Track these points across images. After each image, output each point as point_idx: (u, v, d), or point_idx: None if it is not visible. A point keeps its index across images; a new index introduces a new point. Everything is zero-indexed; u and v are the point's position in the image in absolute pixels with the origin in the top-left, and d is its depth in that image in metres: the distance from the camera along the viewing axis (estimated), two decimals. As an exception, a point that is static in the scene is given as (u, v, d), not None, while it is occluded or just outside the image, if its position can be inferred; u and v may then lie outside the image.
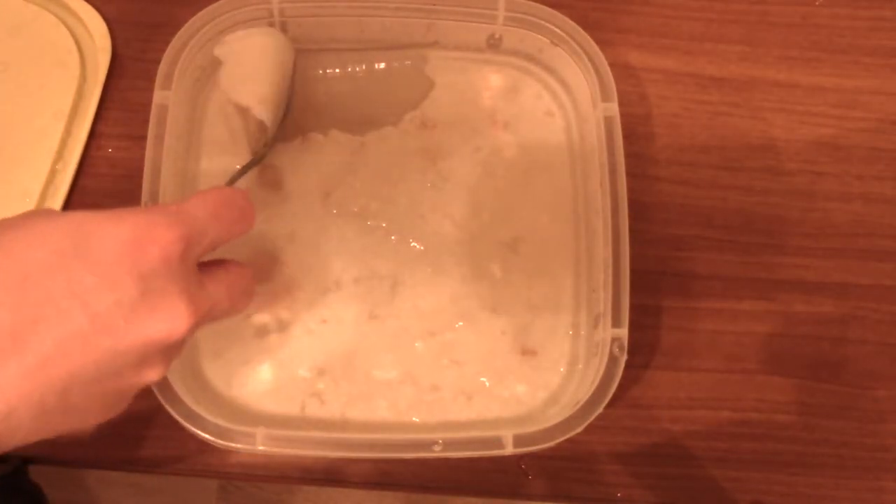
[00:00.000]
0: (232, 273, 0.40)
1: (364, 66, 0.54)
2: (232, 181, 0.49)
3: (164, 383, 0.43)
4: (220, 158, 0.52)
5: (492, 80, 0.56)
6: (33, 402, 0.32)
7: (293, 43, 0.53)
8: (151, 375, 0.36)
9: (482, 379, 0.50)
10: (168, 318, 0.34)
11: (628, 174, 0.49)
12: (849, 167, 0.56)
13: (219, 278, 0.39)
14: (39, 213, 0.35)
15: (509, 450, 0.44)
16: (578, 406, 0.45)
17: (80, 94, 0.53)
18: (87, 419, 0.35)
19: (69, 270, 0.32)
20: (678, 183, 0.55)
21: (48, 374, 0.32)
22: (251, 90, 0.49)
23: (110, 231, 0.34)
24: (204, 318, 0.37)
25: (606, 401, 0.45)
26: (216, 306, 0.38)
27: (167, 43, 0.49)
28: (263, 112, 0.49)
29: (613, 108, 0.50)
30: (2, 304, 0.31)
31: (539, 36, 0.53)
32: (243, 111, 0.50)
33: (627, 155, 0.49)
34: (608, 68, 0.51)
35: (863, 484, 0.50)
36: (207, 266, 0.40)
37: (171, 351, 0.36)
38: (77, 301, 0.32)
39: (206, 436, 0.43)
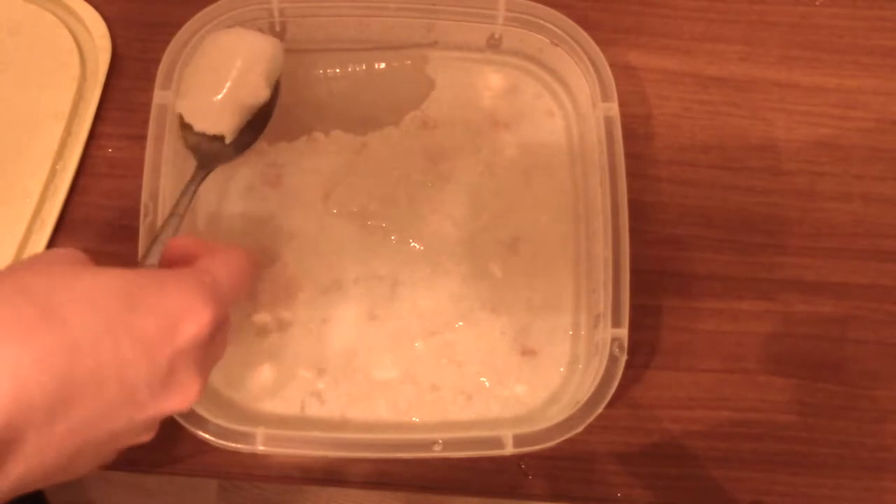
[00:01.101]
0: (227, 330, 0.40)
1: (364, 66, 0.54)
2: (178, 205, 0.45)
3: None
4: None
5: (492, 80, 0.56)
6: (55, 465, 0.32)
7: (292, 44, 0.53)
8: (146, 438, 0.37)
9: (482, 379, 0.50)
10: (184, 396, 0.35)
11: (628, 174, 0.49)
12: (849, 167, 0.56)
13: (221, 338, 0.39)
14: (80, 266, 0.35)
15: (509, 450, 0.44)
16: (578, 406, 0.45)
17: (80, 94, 0.53)
18: (82, 470, 0.35)
19: (116, 343, 0.32)
20: (678, 183, 0.55)
21: (76, 440, 0.32)
22: (193, 103, 0.48)
23: (155, 303, 0.34)
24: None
25: (606, 401, 0.45)
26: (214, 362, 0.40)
27: (167, 43, 0.49)
28: (210, 125, 0.48)
29: (613, 108, 0.50)
30: (45, 375, 0.31)
31: (539, 36, 0.53)
32: (184, 125, 0.49)
33: (627, 155, 0.49)
34: (608, 68, 0.51)
35: (863, 484, 0.50)
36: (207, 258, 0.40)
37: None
38: (116, 373, 0.32)
39: (206, 436, 0.43)
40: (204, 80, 0.48)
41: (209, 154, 0.48)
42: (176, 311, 0.34)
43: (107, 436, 0.33)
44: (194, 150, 0.48)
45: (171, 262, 0.41)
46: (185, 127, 0.48)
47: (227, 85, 0.48)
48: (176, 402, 0.35)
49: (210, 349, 0.37)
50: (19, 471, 0.31)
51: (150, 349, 0.33)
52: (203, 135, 0.48)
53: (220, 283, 0.37)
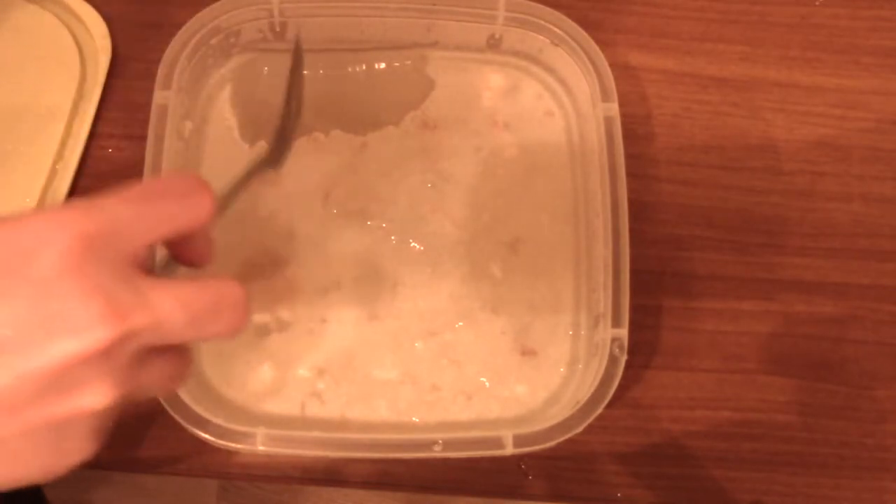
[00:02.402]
0: (197, 285, 0.32)
1: (364, 66, 0.54)
2: (231, 195, 0.45)
3: (164, 383, 0.43)
4: (221, 158, 0.52)
5: (492, 80, 0.56)
6: None
7: (293, 44, 0.53)
8: (91, 401, 0.29)
9: (482, 379, 0.50)
10: (77, 326, 0.28)
11: (628, 174, 0.49)
12: (849, 167, 0.56)
13: (168, 286, 0.31)
14: None
15: (509, 450, 0.44)
16: (578, 406, 0.45)
17: (80, 94, 0.53)
18: (22, 464, 0.29)
19: None
20: (678, 183, 0.55)
21: None
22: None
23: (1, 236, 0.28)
24: (141, 328, 0.29)
25: (606, 401, 0.45)
26: (166, 319, 0.30)
27: (167, 43, 0.49)
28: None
29: (613, 108, 0.50)
30: None
31: (539, 36, 0.53)
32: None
33: (627, 155, 0.49)
34: (608, 68, 0.51)
35: (863, 484, 0.50)
36: (167, 280, 0.33)
37: (105, 367, 0.29)
38: None
39: (206, 436, 0.43)
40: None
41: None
42: (26, 240, 0.28)
43: (5, 396, 0.27)
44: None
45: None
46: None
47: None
48: (74, 334, 0.28)
49: (109, 272, 0.29)
50: None
51: (3, 283, 0.28)
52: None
53: (96, 204, 0.31)
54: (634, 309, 0.46)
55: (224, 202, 0.43)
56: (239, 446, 0.44)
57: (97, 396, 0.29)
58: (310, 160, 0.53)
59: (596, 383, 0.45)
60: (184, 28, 0.50)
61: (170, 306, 0.30)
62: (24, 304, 0.28)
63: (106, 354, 0.29)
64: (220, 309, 0.32)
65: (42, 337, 0.28)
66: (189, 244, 0.35)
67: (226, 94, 0.54)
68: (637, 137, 0.55)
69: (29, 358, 0.28)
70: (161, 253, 0.37)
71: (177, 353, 0.33)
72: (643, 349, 0.51)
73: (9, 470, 0.29)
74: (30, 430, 0.29)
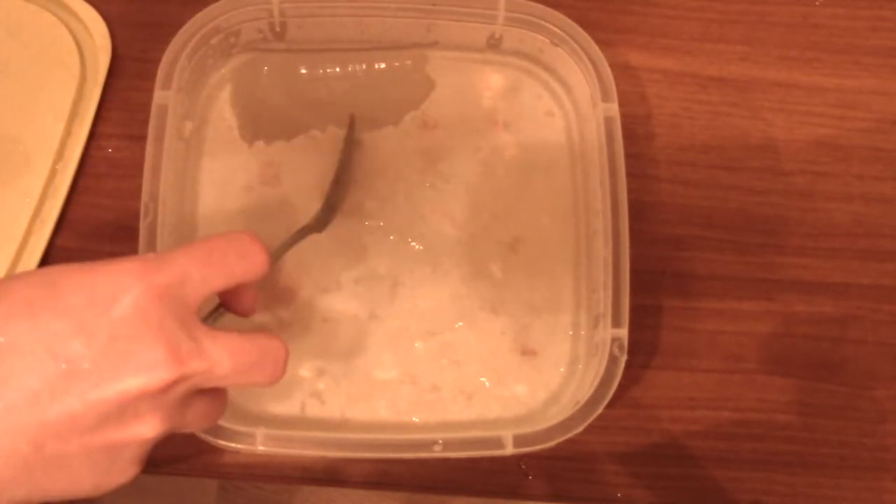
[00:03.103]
0: (245, 338, 0.36)
1: (364, 66, 0.54)
2: (280, 252, 0.47)
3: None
4: (221, 158, 0.52)
5: (492, 80, 0.56)
6: (4, 451, 0.30)
7: (292, 44, 0.53)
8: (143, 431, 0.33)
9: (482, 379, 0.50)
10: (144, 366, 0.32)
11: (628, 174, 0.49)
12: (849, 167, 0.56)
13: (220, 337, 0.35)
14: (11, 276, 0.34)
15: (509, 450, 0.44)
16: (578, 406, 0.45)
17: (80, 94, 0.53)
18: (78, 481, 0.33)
19: (35, 318, 0.31)
20: (678, 183, 0.55)
21: (18, 422, 0.30)
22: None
23: (81, 280, 0.33)
24: (195, 373, 0.34)
25: (606, 401, 0.45)
26: (215, 366, 0.35)
27: (167, 43, 0.49)
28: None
29: (613, 108, 0.50)
30: None
31: (539, 36, 0.53)
32: None
33: (627, 155, 0.49)
34: (608, 68, 0.51)
35: (863, 484, 0.50)
36: (220, 330, 0.37)
37: (160, 403, 0.33)
38: (44, 347, 0.31)
39: (206, 436, 0.43)
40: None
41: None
42: (105, 282, 0.33)
43: (69, 420, 0.31)
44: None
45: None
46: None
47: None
48: (138, 374, 0.32)
49: (173, 320, 0.33)
50: None
51: (77, 319, 0.32)
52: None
53: (166, 256, 0.35)
54: (634, 309, 0.46)
55: (272, 259, 0.45)
56: (239, 446, 0.44)
57: (149, 427, 0.33)
58: (309, 159, 0.53)
59: (596, 383, 0.45)
60: (184, 28, 0.50)
61: (220, 355, 0.35)
62: (102, 341, 0.32)
63: (162, 392, 0.33)
64: (263, 362, 0.37)
65: (113, 371, 0.32)
66: (239, 295, 0.40)
67: (226, 94, 0.54)
68: (637, 137, 0.55)
69: (100, 388, 0.32)
70: (211, 299, 0.40)
71: (216, 396, 0.38)
72: (643, 349, 0.51)
73: (66, 485, 0.33)
74: (90, 451, 0.33)
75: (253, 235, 0.38)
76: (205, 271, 0.35)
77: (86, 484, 0.34)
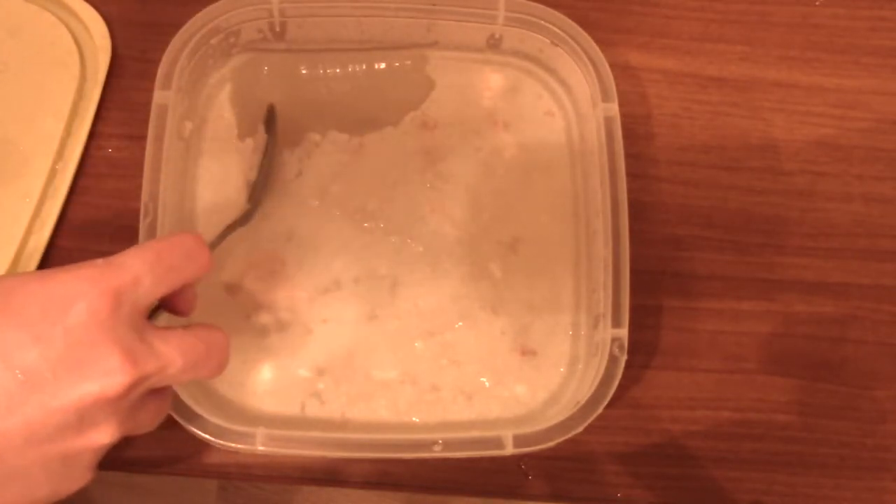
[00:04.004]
0: (191, 333, 0.37)
1: (364, 66, 0.54)
2: (218, 240, 0.48)
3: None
4: (221, 158, 0.52)
5: (492, 80, 0.56)
6: None
7: (292, 44, 0.53)
8: (100, 437, 0.34)
9: (482, 379, 0.50)
10: (101, 372, 0.32)
11: (628, 174, 0.49)
12: (849, 167, 0.56)
13: (169, 336, 0.36)
14: None
15: (509, 450, 0.44)
16: (578, 406, 0.45)
17: (80, 94, 0.53)
18: (34, 490, 0.33)
19: None
20: (678, 183, 0.55)
21: None
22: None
23: (34, 289, 0.33)
24: (149, 375, 0.34)
25: (606, 401, 0.45)
26: (167, 366, 0.35)
27: (167, 43, 0.49)
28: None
29: (613, 108, 0.50)
30: None
31: (539, 36, 0.53)
32: None
33: (627, 155, 0.49)
34: (608, 68, 0.51)
35: (863, 484, 0.50)
36: (167, 328, 0.38)
37: (116, 408, 0.34)
38: (1, 360, 0.31)
39: (206, 436, 0.43)
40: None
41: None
42: (59, 291, 0.33)
43: (27, 430, 0.31)
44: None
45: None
46: None
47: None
48: (96, 380, 0.32)
49: (126, 324, 0.34)
50: None
51: (32, 329, 0.32)
52: None
53: (116, 261, 0.35)
54: (634, 309, 0.46)
55: None
56: (239, 446, 0.44)
57: (106, 434, 0.34)
58: (309, 160, 0.53)
59: (596, 383, 0.45)
60: (184, 28, 0.50)
61: (172, 355, 0.35)
62: (59, 350, 0.32)
63: (120, 398, 0.33)
64: (211, 355, 0.38)
65: (70, 380, 0.32)
66: (180, 295, 0.40)
67: (226, 94, 0.54)
68: (637, 137, 0.55)
69: (58, 398, 0.32)
70: None
71: (164, 394, 0.38)
72: (643, 349, 0.51)
73: (22, 494, 0.33)
74: (47, 460, 0.33)
75: (197, 236, 0.38)
76: (155, 274, 0.36)
77: (42, 492, 0.34)
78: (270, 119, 0.53)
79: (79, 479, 0.35)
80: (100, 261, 0.35)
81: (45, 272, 0.34)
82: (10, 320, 0.32)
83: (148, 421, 0.37)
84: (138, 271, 0.35)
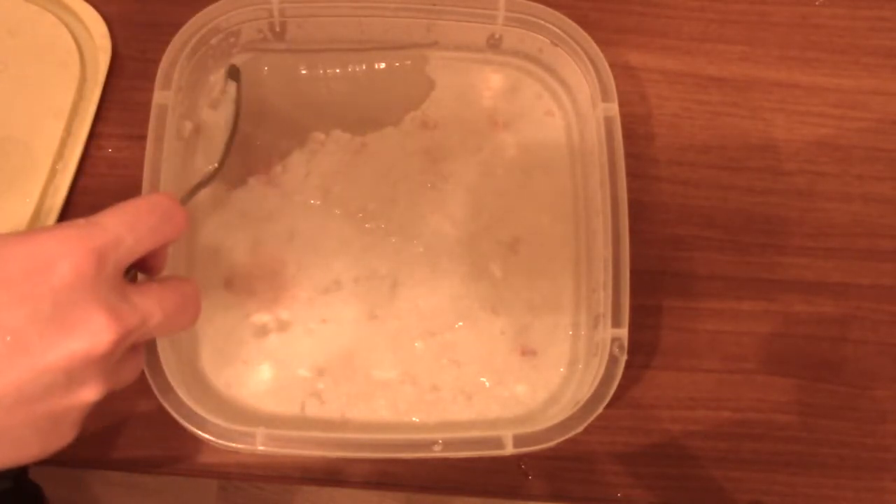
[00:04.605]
0: (166, 287, 0.38)
1: (364, 66, 0.54)
2: (187, 197, 0.48)
3: (163, 384, 0.43)
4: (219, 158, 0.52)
5: (492, 80, 0.56)
6: None
7: (292, 44, 0.53)
8: (87, 395, 0.34)
9: (482, 379, 0.50)
10: (88, 332, 0.33)
11: (628, 174, 0.49)
12: (849, 167, 0.56)
13: (147, 291, 0.37)
14: None
15: (509, 450, 0.44)
16: (578, 406, 0.45)
17: (80, 94, 0.53)
18: (24, 449, 0.34)
19: None
20: (678, 183, 0.55)
21: None
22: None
23: (18, 250, 0.33)
24: (132, 331, 0.35)
25: (606, 401, 0.45)
26: (148, 320, 0.36)
27: (167, 43, 0.49)
28: None
29: (613, 108, 0.50)
30: None
31: (539, 36, 0.53)
32: None
33: (627, 155, 0.49)
34: (608, 68, 0.51)
35: (863, 484, 0.50)
36: (141, 283, 0.39)
37: (102, 366, 0.34)
38: None
39: (206, 436, 0.43)
40: None
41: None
42: (42, 251, 0.33)
43: (17, 392, 0.32)
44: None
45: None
46: None
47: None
48: (83, 339, 0.33)
49: (108, 283, 0.34)
50: None
51: (18, 290, 0.32)
52: None
53: (98, 221, 0.35)
54: (634, 309, 0.46)
55: None
56: (239, 446, 0.44)
57: (93, 391, 0.34)
58: (309, 160, 0.53)
59: (596, 383, 0.45)
60: (184, 28, 0.50)
61: (153, 308, 0.36)
62: (45, 310, 0.32)
63: (106, 356, 0.34)
64: (186, 305, 0.39)
65: (57, 340, 0.32)
66: (153, 255, 0.40)
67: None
68: (637, 137, 0.55)
69: (45, 358, 0.32)
70: None
71: (140, 350, 0.39)
72: (643, 349, 0.51)
73: (11, 453, 0.33)
74: (35, 419, 0.33)
75: (171, 196, 0.39)
76: (135, 234, 0.36)
77: (31, 451, 0.34)
78: (234, 75, 0.53)
79: (66, 435, 0.35)
80: (81, 221, 0.35)
81: (26, 233, 0.34)
82: None
83: (128, 376, 0.38)
84: (119, 232, 0.35)
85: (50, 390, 0.33)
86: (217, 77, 0.53)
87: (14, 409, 0.32)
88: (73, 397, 0.34)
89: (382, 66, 0.55)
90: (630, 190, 0.48)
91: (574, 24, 0.52)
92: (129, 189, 0.51)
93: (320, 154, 0.53)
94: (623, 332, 0.46)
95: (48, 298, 0.32)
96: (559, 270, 0.52)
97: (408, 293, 0.51)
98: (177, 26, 0.50)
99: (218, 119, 0.53)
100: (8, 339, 0.32)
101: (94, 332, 0.33)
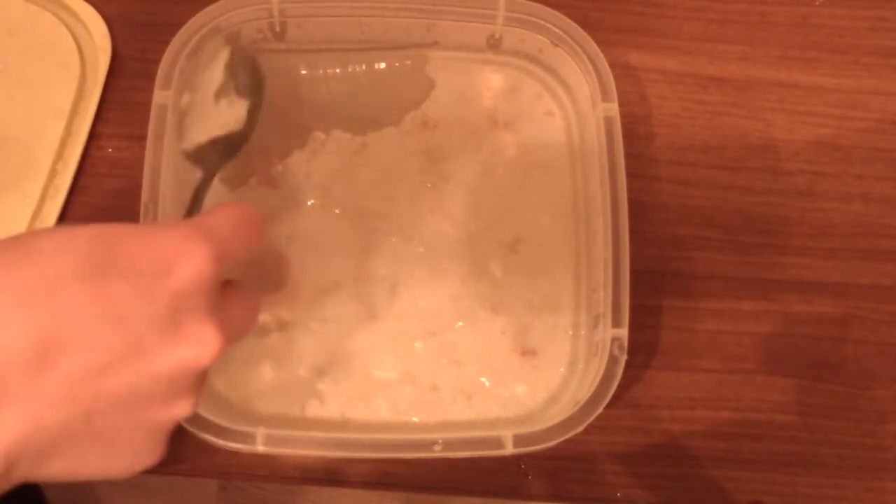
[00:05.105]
0: (245, 294, 0.36)
1: (364, 66, 0.54)
2: (196, 201, 0.48)
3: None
4: (220, 158, 0.52)
5: (492, 80, 0.56)
6: (61, 422, 0.29)
7: (292, 44, 0.53)
8: (182, 409, 0.32)
9: (482, 379, 0.50)
10: (198, 342, 0.31)
11: (628, 174, 0.49)
12: (849, 167, 0.56)
13: (236, 299, 0.35)
14: (54, 228, 0.32)
15: (509, 450, 0.44)
16: (578, 406, 0.45)
17: (80, 94, 0.53)
18: (113, 460, 0.32)
19: (102, 279, 0.29)
20: (678, 183, 0.55)
21: (74, 395, 0.29)
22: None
23: (143, 241, 0.31)
24: (229, 342, 0.33)
25: (606, 401, 0.45)
26: (237, 335, 0.35)
27: (167, 43, 0.49)
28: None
29: (613, 108, 0.50)
30: (24, 320, 0.28)
31: (539, 36, 0.53)
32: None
33: (627, 155, 0.49)
34: (608, 68, 0.51)
35: (863, 484, 0.50)
36: (230, 292, 0.36)
37: (199, 380, 0.33)
38: (110, 313, 0.29)
39: (206, 436, 0.43)
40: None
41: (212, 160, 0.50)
42: (168, 247, 0.31)
43: (124, 394, 0.30)
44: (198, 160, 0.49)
45: None
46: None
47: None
48: (193, 349, 0.31)
49: (222, 301, 0.33)
50: (17, 423, 0.28)
51: (144, 285, 0.30)
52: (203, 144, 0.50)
53: (213, 225, 0.33)
54: (634, 309, 0.46)
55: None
56: (239, 446, 0.44)
57: (187, 405, 0.33)
58: (310, 160, 0.53)
59: (596, 383, 0.45)
60: (184, 28, 0.50)
61: (243, 321, 0.35)
62: (162, 311, 0.30)
63: (205, 368, 0.32)
64: (254, 319, 0.37)
65: (171, 343, 0.30)
66: None
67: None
68: (637, 137, 0.55)
69: (159, 360, 0.30)
70: None
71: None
72: (643, 349, 0.51)
73: (98, 463, 0.31)
74: (132, 427, 0.31)
75: (254, 208, 0.37)
76: (240, 244, 0.35)
77: (121, 463, 0.32)
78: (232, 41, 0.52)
79: (155, 452, 0.33)
80: (198, 221, 0.34)
81: (147, 226, 0.32)
82: (122, 273, 0.30)
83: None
84: (230, 239, 0.34)
85: (153, 398, 0.31)
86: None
87: (115, 412, 0.30)
88: (169, 410, 0.32)
89: (382, 66, 0.55)
90: (630, 190, 0.48)
91: (574, 24, 0.52)
92: (129, 189, 0.51)
93: (320, 154, 0.53)
94: (623, 332, 0.46)
95: (166, 299, 0.30)
96: (559, 270, 0.52)
97: (408, 293, 0.51)
98: (177, 26, 0.50)
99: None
100: (125, 336, 0.29)
101: (203, 342, 0.31)
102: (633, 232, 0.47)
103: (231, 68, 0.51)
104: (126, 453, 0.32)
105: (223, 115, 0.50)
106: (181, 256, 0.31)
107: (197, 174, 0.49)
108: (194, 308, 0.31)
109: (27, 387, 0.28)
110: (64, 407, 0.29)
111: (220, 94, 0.50)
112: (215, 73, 0.50)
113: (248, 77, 0.51)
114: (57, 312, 0.28)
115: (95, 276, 0.29)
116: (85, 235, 0.30)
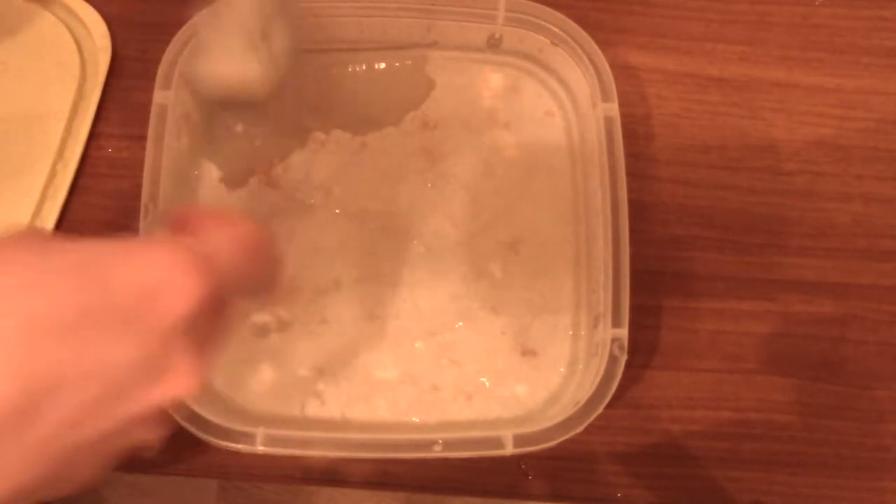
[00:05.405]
0: (224, 309, 0.34)
1: (364, 66, 0.54)
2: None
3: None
4: (221, 158, 0.52)
5: (492, 80, 0.56)
6: (36, 478, 0.28)
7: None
8: (150, 437, 0.32)
9: (482, 379, 0.50)
10: (180, 382, 0.30)
11: (628, 174, 0.49)
12: (849, 167, 0.56)
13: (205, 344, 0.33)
14: (33, 236, 0.29)
15: (509, 450, 0.44)
16: (578, 406, 0.45)
17: (80, 94, 0.53)
18: (70, 483, 0.31)
19: (89, 323, 0.28)
20: (678, 183, 0.55)
21: (57, 448, 0.28)
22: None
23: (130, 268, 0.29)
24: (205, 367, 0.32)
25: (606, 401, 0.45)
26: (211, 350, 0.33)
27: (167, 43, 0.49)
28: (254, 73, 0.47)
29: (613, 108, 0.50)
30: (8, 366, 0.26)
31: (539, 36, 0.53)
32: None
33: (627, 155, 0.49)
34: (608, 68, 0.51)
35: (863, 484, 0.50)
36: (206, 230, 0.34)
37: (162, 417, 0.32)
38: (91, 368, 0.28)
39: (207, 436, 0.43)
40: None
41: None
42: (154, 275, 0.29)
43: (102, 438, 0.29)
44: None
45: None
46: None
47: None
48: (175, 389, 0.30)
49: (204, 327, 0.31)
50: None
51: (132, 327, 0.28)
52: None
53: (210, 252, 0.31)
54: (634, 309, 0.46)
55: None
56: (239, 446, 0.44)
57: (155, 434, 0.32)
58: (310, 160, 0.53)
59: (596, 383, 0.45)
60: (184, 28, 0.50)
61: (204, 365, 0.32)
62: (148, 348, 0.29)
63: (174, 404, 0.31)
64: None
65: (153, 385, 0.29)
66: None
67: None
68: (637, 137, 0.55)
69: (137, 403, 0.29)
70: None
71: None
72: (643, 349, 0.51)
73: (62, 486, 0.30)
74: (102, 457, 0.30)
75: (260, 231, 0.35)
76: (237, 276, 0.33)
77: (71, 486, 0.31)
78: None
79: (106, 471, 0.32)
80: (196, 243, 0.32)
81: (135, 245, 0.30)
82: (109, 314, 0.28)
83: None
84: (229, 267, 0.32)
85: (124, 434, 0.30)
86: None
87: (92, 453, 0.29)
88: (136, 439, 0.31)
89: (382, 66, 0.55)
90: (630, 190, 0.48)
91: (574, 24, 0.52)
92: (129, 189, 0.51)
93: (320, 154, 0.53)
94: (623, 332, 0.46)
95: (150, 341, 0.29)
96: (559, 270, 0.52)
97: (408, 293, 0.51)
98: (177, 26, 0.50)
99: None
100: (110, 386, 0.28)
101: (184, 380, 0.30)
102: (633, 232, 0.47)
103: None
104: (81, 478, 0.31)
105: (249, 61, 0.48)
106: (170, 289, 0.29)
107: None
108: (180, 343, 0.30)
109: (4, 451, 0.27)
110: (42, 465, 0.28)
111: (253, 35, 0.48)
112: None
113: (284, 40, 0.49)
114: (36, 369, 0.27)
115: (84, 319, 0.28)
116: (71, 264, 0.28)
